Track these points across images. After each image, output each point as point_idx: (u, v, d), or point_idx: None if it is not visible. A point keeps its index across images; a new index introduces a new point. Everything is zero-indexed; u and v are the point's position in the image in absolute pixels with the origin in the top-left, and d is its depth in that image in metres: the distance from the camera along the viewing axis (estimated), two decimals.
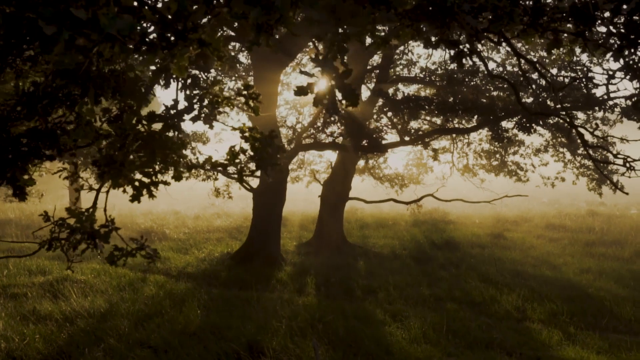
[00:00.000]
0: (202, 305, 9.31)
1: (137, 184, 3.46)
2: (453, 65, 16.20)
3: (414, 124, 12.90)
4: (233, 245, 15.62)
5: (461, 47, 3.00)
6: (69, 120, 3.63)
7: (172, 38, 2.02)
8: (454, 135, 18.64)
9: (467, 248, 15.99)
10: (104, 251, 3.69)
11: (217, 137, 18.83)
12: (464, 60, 3.07)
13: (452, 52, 3.02)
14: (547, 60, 16.39)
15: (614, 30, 3.95)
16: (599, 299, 10.20)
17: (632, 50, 3.73)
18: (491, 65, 16.87)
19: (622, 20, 3.65)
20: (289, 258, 14.18)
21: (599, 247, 15.81)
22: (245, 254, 13.61)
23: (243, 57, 14.77)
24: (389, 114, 11.99)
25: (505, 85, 11.24)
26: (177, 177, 3.44)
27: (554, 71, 13.59)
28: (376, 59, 16.91)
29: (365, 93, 17.05)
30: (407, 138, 11.99)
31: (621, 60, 4.11)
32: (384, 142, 12.13)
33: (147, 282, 11.19)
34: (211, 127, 3.57)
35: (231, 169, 3.63)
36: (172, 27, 2.01)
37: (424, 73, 15.97)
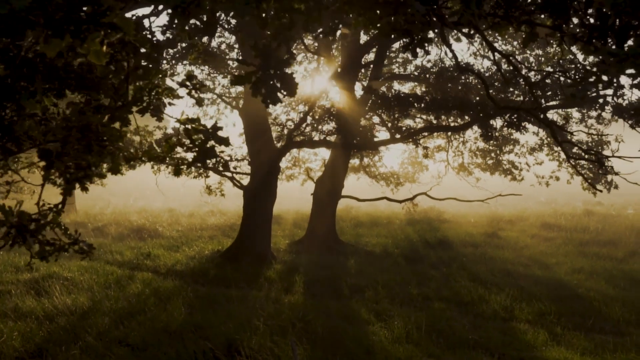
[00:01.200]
0: (186, 303, 9.24)
1: (68, 176, 3.36)
2: (449, 63, 16.12)
3: (405, 122, 12.78)
4: (225, 243, 15.54)
5: (422, 36, 2.91)
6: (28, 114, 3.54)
7: (81, 21, 1.93)
8: (449, 133, 18.54)
9: (460, 247, 15.90)
10: (33, 246, 3.56)
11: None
12: (418, 50, 2.98)
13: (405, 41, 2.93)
14: (542, 58, 16.29)
15: (585, 22, 3.85)
16: (588, 299, 10.10)
17: (602, 42, 3.63)
18: (486, 62, 16.71)
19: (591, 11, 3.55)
20: (280, 256, 14.10)
21: (593, 247, 15.70)
22: (235, 251, 13.53)
23: (234, 54, 14.68)
24: (379, 111, 11.90)
25: (498, 84, 11.14)
26: (114, 170, 3.34)
27: (549, 68, 13.48)
28: (372, 56, 16.82)
29: (359, 92, 16.98)
30: (397, 136, 11.89)
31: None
32: (375, 139, 12.04)
33: (134, 279, 11.13)
34: (159, 119, 3.48)
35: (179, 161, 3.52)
36: (79, 9, 1.93)
37: (418, 71, 15.86)
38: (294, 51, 19.16)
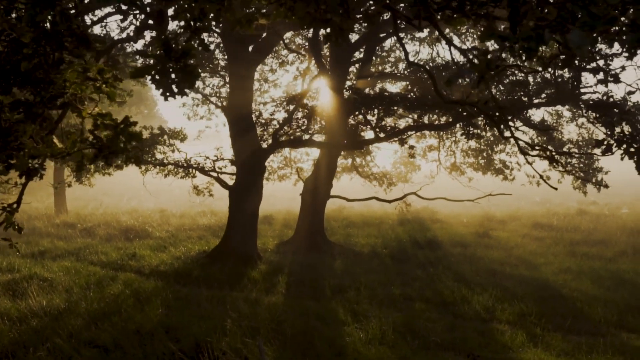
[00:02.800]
0: (164, 304, 9.16)
1: None
2: (442, 61, 16.00)
3: (389, 120, 12.69)
4: (213, 243, 15.45)
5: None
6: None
7: None
8: (441, 133, 18.44)
9: (449, 247, 15.79)
10: None
11: (201, 134, 18.61)
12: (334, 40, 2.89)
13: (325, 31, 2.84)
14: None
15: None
16: (571, 300, 10.00)
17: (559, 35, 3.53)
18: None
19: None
20: (266, 256, 14.01)
21: (583, 247, 15.58)
22: (221, 252, 13.45)
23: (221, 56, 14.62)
24: (362, 110, 11.80)
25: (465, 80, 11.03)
26: (19, 167, 3.24)
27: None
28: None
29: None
30: (382, 135, 11.80)
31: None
32: (360, 139, 11.95)
33: (116, 280, 11.06)
34: (79, 115, 3.39)
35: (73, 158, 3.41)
36: None
37: (408, 70, 15.75)
38: (285, 51, 19.08)
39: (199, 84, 17.27)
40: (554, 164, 9.87)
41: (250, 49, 12.79)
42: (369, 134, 14.04)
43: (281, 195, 30.70)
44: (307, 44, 17.30)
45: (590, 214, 21.76)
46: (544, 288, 10.86)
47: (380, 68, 18.22)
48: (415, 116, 12.13)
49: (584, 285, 11.12)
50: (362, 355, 6.79)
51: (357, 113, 12.28)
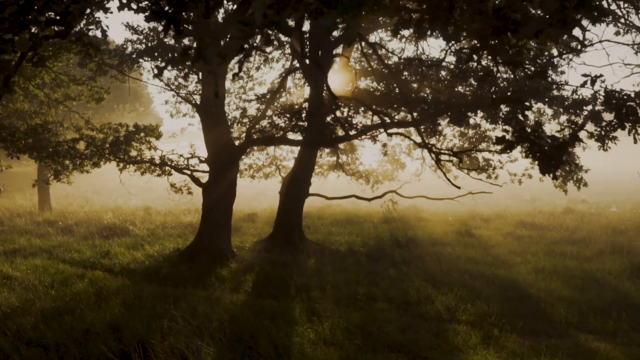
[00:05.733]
0: (124, 303, 9.11)
1: None
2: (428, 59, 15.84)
3: (360, 118, 12.59)
4: (191, 241, 15.40)
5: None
6: None
7: None
8: (422, 130, 18.29)
9: (428, 246, 15.68)
10: None
11: (183, 132, 18.53)
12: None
13: None
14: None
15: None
16: (536, 300, 9.88)
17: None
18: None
19: None
20: (242, 254, 13.95)
21: (564, 246, 15.42)
22: (194, 250, 13.40)
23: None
24: (333, 107, 11.68)
25: (449, 77, 10.88)
26: None
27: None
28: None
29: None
30: (352, 132, 11.70)
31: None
32: (330, 136, 11.84)
33: (83, 278, 11.02)
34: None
35: None
36: None
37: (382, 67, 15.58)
38: (270, 48, 18.94)
39: (181, 80, 17.08)
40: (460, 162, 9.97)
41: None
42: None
43: (272, 193, 30.61)
44: (289, 40, 17.19)
45: (577, 212, 21.58)
46: (512, 288, 10.74)
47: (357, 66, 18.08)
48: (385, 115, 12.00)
49: (554, 285, 10.98)
50: (306, 356, 6.72)
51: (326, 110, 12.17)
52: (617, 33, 12.52)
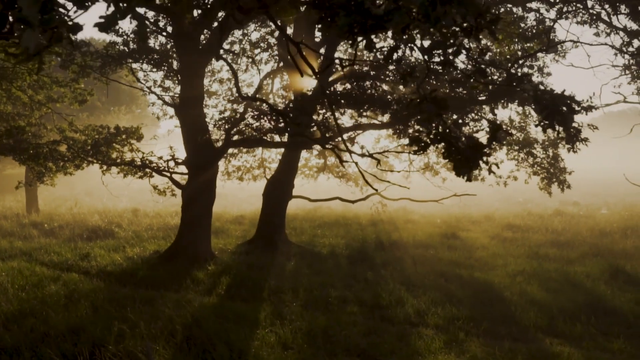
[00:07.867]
0: (93, 305, 9.08)
1: None
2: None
3: (345, 120, 12.52)
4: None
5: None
6: None
7: None
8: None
9: (411, 249, 15.60)
10: None
11: (169, 133, 18.58)
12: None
13: None
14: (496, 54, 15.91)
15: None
16: (508, 304, 9.79)
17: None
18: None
19: None
20: (222, 257, 13.90)
21: (549, 248, 15.33)
22: (173, 252, 13.37)
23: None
24: (307, 109, 11.63)
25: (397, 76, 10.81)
26: None
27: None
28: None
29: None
30: (328, 134, 11.64)
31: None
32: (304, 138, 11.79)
33: (58, 281, 10.99)
34: None
35: None
36: None
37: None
38: (257, 50, 18.89)
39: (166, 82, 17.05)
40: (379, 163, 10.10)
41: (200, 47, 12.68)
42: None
43: (258, 194, 30.63)
44: (276, 42, 17.18)
45: (566, 215, 21.46)
46: (487, 291, 10.66)
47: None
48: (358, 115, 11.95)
49: (530, 288, 10.89)
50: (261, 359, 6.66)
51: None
52: (597, 34, 12.44)
